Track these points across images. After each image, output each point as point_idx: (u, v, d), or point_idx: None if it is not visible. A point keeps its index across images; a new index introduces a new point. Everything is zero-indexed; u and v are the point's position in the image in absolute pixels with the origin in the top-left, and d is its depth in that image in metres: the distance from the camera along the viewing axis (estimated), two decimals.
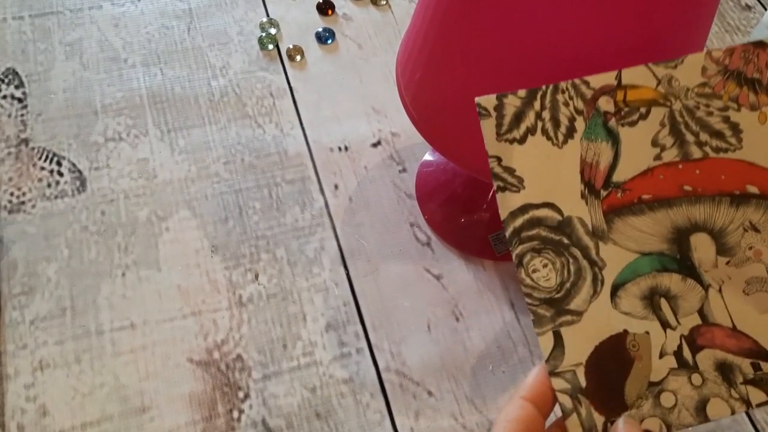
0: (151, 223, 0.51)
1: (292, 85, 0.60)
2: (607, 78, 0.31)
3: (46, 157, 0.53)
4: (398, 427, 0.45)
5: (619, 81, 0.31)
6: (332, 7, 0.64)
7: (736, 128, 0.31)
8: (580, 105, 0.31)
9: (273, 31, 0.62)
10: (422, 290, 0.51)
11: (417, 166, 0.56)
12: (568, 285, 0.30)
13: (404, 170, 0.56)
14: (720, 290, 0.30)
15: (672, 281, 0.30)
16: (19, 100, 0.56)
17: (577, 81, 0.31)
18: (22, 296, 0.47)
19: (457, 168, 0.54)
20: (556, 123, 0.31)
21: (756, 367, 0.29)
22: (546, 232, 0.30)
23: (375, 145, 0.57)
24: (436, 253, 0.52)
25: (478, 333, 0.49)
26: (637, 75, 0.31)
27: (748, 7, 0.69)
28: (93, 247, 0.50)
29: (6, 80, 0.57)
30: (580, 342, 0.29)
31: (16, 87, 0.57)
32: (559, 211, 0.30)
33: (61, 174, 0.53)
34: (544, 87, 0.31)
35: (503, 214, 0.30)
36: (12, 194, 0.52)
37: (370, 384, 0.47)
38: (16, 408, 0.44)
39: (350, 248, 0.52)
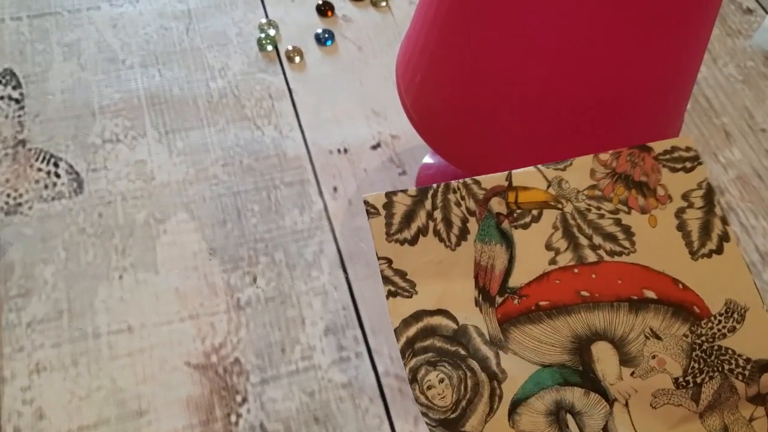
0: (148, 225, 0.51)
1: (291, 86, 0.59)
2: (498, 179, 0.29)
3: (44, 158, 0.53)
4: None
5: (510, 182, 0.30)
6: (332, 8, 0.64)
7: (628, 231, 0.29)
8: (472, 205, 0.29)
9: (272, 32, 0.62)
10: None
11: (417, 169, 0.56)
12: (464, 403, 0.28)
13: (404, 173, 0.56)
14: (626, 404, 0.28)
15: (575, 396, 0.28)
16: (17, 101, 0.56)
17: (468, 180, 0.29)
18: (18, 298, 0.47)
19: (458, 170, 0.54)
20: (448, 224, 0.29)
21: None
22: (441, 342, 0.28)
23: (375, 147, 0.57)
24: None
25: None
26: (528, 176, 0.30)
27: (750, 11, 0.69)
28: (90, 250, 0.49)
29: (3, 81, 0.57)
30: None
31: (14, 88, 0.56)
32: (453, 319, 0.28)
33: (58, 175, 0.52)
34: (435, 185, 0.30)
35: (395, 322, 0.28)
36: (9, 196, 0.51)
37: (369, 388, 0.46)
38: (13, 411, 0.43)
39: (349, 252, 0.51)
